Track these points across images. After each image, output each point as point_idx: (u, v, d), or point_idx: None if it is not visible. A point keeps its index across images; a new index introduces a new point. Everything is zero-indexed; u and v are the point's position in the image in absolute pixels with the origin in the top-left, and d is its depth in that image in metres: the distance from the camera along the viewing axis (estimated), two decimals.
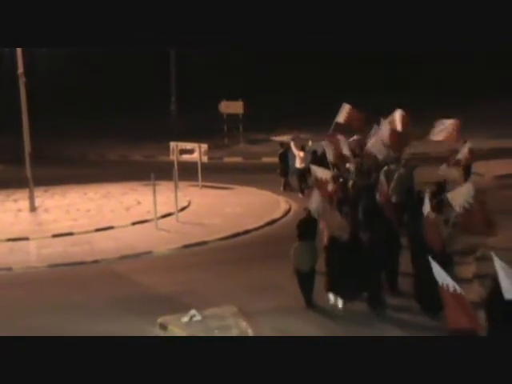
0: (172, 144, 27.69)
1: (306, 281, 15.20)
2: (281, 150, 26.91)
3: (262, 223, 22.18)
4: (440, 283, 10.15)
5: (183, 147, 27.54)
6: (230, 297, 15.69)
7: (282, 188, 26.46)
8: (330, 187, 18.95)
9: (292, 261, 15.23)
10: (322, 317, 14.62)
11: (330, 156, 23.09)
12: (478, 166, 24.30)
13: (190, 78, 46.31)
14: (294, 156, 26.01)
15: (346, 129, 24.78)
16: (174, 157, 27.18)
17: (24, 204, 25.19)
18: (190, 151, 27.41)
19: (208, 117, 38.29)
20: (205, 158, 27.39)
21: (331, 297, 15.18)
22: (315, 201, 16.82)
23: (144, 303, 15.71)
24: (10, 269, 18.91)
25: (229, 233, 21.22)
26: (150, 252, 19.80)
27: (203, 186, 27.36)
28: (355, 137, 24.83)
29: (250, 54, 45.67)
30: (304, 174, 25.17)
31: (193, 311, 14.61)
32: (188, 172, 26.49)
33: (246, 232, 21.40)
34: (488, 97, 40.94)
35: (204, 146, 27.26)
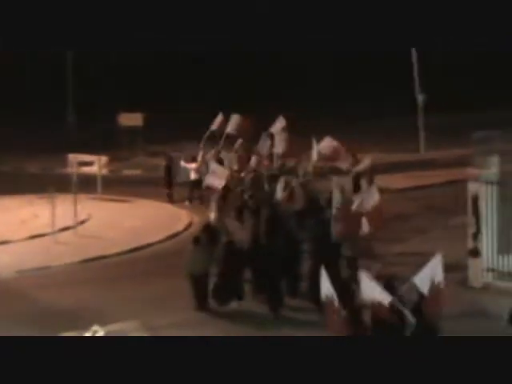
0: (70, 156, 27.16)
1: (198, 285, 15.45)
2: (164, 163, 27.09)
3: (162, 237, 21.99)
4: (325, 297, 10.45)
5: (82, 159, 27.05)
6: (132, 312, 15.54)
7: (168, 199, 26.44)
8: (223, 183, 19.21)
9: (185, 265, 15.50)
10: (229, 324, 14.78)
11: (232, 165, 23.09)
12: (379, 180, 24.71)
13: (88, 89, 45.51)
14: (180, 168, 26.13)
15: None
16: (72, 169, 26.65)
17: None
18: (90, 163, 26.98)
19: (107, 129, 37.67)
20: (104, 171, 27.03)
21: (233, 303, 15.56)
22: (213, 206, 17.04)
23: (44, 319, 15.36)
24: None
25: (129, 247, 20.97)
26: (48, 267, 19.35)
27: (102, 199, 26.92)
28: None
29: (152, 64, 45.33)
30: (197, 184, 25.16)
31: (95, 327, 14.32)
32: (87, 185, 26.02)
33: (147, 246, 21.19)
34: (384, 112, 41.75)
35: (104, 159, 26.91)
